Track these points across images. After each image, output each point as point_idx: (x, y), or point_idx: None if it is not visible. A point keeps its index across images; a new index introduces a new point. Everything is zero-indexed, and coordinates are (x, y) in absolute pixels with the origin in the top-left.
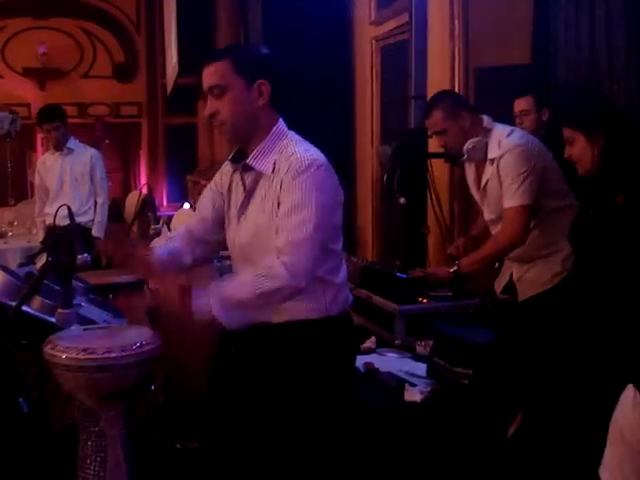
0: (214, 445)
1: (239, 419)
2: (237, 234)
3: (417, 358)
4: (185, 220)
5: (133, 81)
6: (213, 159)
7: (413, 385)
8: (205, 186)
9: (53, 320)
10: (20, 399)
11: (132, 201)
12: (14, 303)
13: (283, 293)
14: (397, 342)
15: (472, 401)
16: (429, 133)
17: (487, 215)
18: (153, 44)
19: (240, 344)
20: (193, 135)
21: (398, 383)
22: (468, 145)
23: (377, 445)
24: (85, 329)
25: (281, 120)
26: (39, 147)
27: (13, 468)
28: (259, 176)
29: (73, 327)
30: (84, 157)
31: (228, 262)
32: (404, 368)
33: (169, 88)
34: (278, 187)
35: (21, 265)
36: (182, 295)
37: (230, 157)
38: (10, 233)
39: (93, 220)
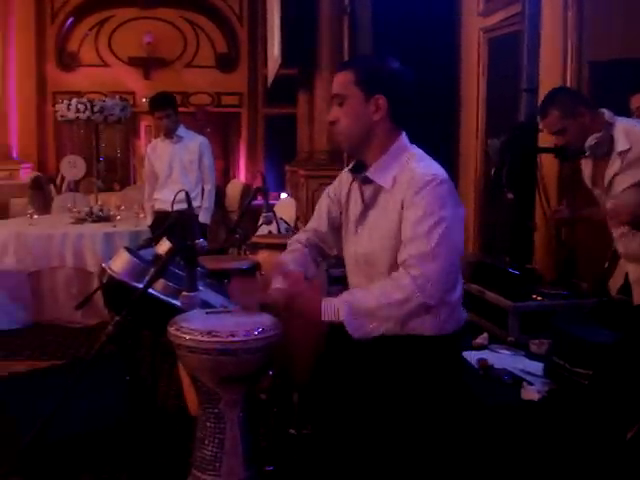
0: (327, 434)
1: (352, 414)
2: (354, 244)
3: (531, 357)
4: (287, 208)
5: (235, 71)
6: (312, 149)
7: (530, 384)
8: (303, 176)
9: (175, 302)
10: (127, 378)
11: (233, 189)
12: (138, 284)
13: (409, 306)
14: (510, 339)
15: (591, 402)
16: (548, 132)
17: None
18: (255, 35)
19: (352, 342)
20: (292, 126)
21: (514, 380)
22: (590, 141)
23: (493, 441)
24: (207, 312)
25: (404, 135)
26: (143, 135)
27: (126, 447)
28: (378, 189)
29: (195, 310)
30: (193, 145)
31: None
32: (518, 366)
33: (270, 79)
34: (399, 204)
35: (139, 248)
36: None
37: (350, 167)
38: (118, 217)
39: (200, 206)
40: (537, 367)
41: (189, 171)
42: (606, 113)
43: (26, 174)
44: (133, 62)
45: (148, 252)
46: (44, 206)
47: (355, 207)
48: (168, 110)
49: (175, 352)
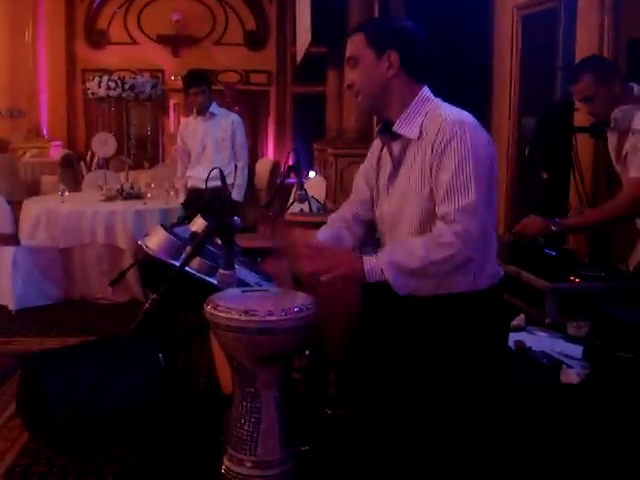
0: (363, 414)
1: (388, 392)
2: (385, 205)
3: (569, 339)
4: (318, 187)
5: (263, 49)
6: (341, 128)
7: (569, 367)
8: (332, 155)
9: (211, 280)
10: (160, 355)
11: (263, 167)
12: (175, 262)
13: (454, 262)
14: (547, 321)
15: (633, 387)
16: (575, 99)
17: None
18: (284, 13)
19: (386, 315)
20: (321, 104)
21: (554, 363)
22: (616, 113)
23: (533, 424)
24: (244, 291)
25: (426, 88)
26: (172, 113)
27: (158, 424)
28: (406, 143)
29: (231, 289)
30: (226, 122)
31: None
32: (556, 349)
33: (299, 57)
34: (429, 151)
35: (173, 225)
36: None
37: (378, 129)
38: (149, 195)
39: (233, 184)
40: (576, 350)
41: (222, 148)
42: (635, 88)
43: (56, 152)
44: (162, 40)
45: (182, 229)
46: (74, 183)
47: (385, 169)
48: (203, 86)
49: (211, 330)
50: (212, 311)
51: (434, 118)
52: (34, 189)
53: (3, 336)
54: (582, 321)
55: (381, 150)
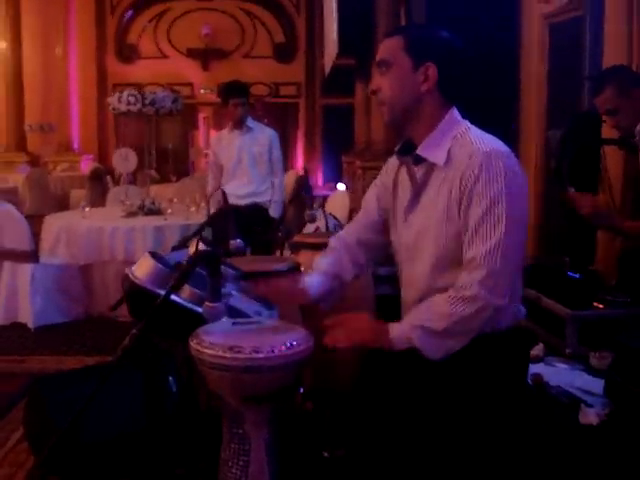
0: (364, 456)
1: (394, 432)
2: (404, 233)
3: (591, 372)
4: (340, 202)
5: (292, 61)
6: (369, 140)
7: (588, 405)
8: (360, 167)
9: (201, 311)
10: (170, 378)
11: (290, 180)
12: (162, 291)
13: (482, 316)
14: (568, 351)
15: None
16: (600, 111)
17: None
18: (312, 25)
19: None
20: (350, 116)
21: (571, 401)
22: None
23: (547, 468)
24: (234, 323)
25: (454, 110)
26: (201, 126)
27: (162, 447)
28: (431, 168)
29: (223, 319)
30: (263, 136)
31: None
32: (576, 383)
33: (327, 69)
34: (457, 183)
35: (174, 248)
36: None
37: (397, 149)
38: (169, 210)
39: (270, 200)
40: (598, 384)
41: (258, 163)
42: None
43: (87, 166)
44: (191, 54)
45: (183, 254)
46: (102, 198)
47: (404, 194)
48: (243, 98)
49: (197, 367)
50: (196, 346)
51: (464, 144)
52: (64, 203)
53: (20, 354)
54: (605, 352)
55: (398, 170)
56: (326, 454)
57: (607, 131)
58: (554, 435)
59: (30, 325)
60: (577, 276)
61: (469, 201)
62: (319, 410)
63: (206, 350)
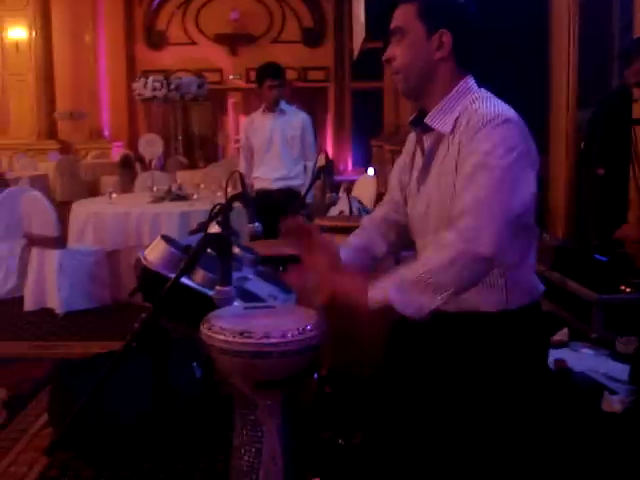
0: (379, 443)
1: (408, 419)
2: (417, 204)
3: (617, 357)
4: (367, 186)
5: (321, 46)
6: (398, 123)
7: (613, 392)
8: (389, 151)
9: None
10: (194, 363)
11: (321, 164)
12: (174, 275)
13: (457, 264)
14: (593, 336)
15: None
16: (630, 83)
17: None
18: (341, 9)
19: (413, 334)
20: (379, 99)
21: (594, 388)
22: None
23: (568, 456)
24: (247, 307)
25: (470, 78)
26: (230, 111)
27: (186, 431)
28: (439, 137)
29: (236, 303)
30: (296, 120)
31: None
32: (601, 369)
33: (356, 53)
34: (457, 146)
35: (192, 232)
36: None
37: (411, 119)
38: (195, 196)
39: (303, 184)
40: (623, 371)
41: (291, 147)
42: None
43: (118, 153)
44: (220, 39)
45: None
46: (132, 184)
47: (417, 164)
48: (280, 80)
49: (209, 353)
50: (207, 332)
51: (471, 112)
52: (94, 189)
53: (47, 340)
54: (632, 337)
55: (416, 143)
56: (341, 441)
57: (638, 111)
58: (576, 422)
59: (58, 311)
60: (604, 259)
61: (461, 160)
62: (337, 395)
63: (216, 335)
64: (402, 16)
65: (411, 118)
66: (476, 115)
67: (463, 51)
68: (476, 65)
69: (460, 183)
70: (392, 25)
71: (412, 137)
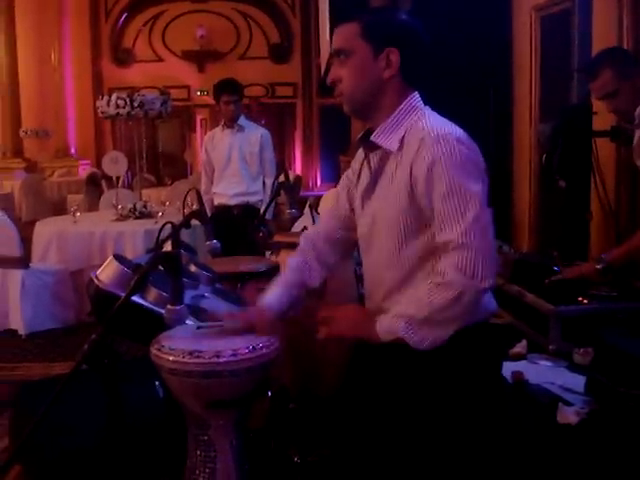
0: (339, 460)
1: (368, 435)
2: (361, 221)
3: (574, 368)
4: (332, 202)
5: (288, 62)
6: None
7: (568, 404)
8: None
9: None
10: (157, 382)
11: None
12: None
13: (464, 302)
14: (551, 348)
15: (636, 428)
16: (595, 97)
17: None
18: (308, 25)
19: (372, 353)
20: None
21: (550, 400)
22: None
23: (524, 469)
24: (199, 327)
25: (416, 94)
26: (198, 128)
27: (147, 451)
28: (385, 155)
29: (188, 322)
30: (254, 136)
31: None
32: (558, 381)
33: (323, 68)
34: (407, 169)
35: (149, 251)
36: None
37: (359, 137)
38: (160, 213)
39: (261, 200)
40: (579, 382)
41: (249, 164)
42: None
43: (84, 171)
44: (187, 56)
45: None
46: (98, 202)
47: (363, 181)
48: (236, 96)
49: (159, 374)
50: (156, 352)
51: (417, 130)
52: (61, 208)
53: (10, 362)
54: (589, 348)
55: (363, 160)
56: (297, 459)
57: (597, 123)
58: (531, 435)
59: (21, 331)
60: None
61: (430, 186)
62: (299, 411)
63: (165, 356)
64: (344, 37)
65: (359, 136)
66: (426, 135)
67: (410, 68)
68: (423, 81)
69: (439, 213)
70: (334, 46)
71: (360, 152)
